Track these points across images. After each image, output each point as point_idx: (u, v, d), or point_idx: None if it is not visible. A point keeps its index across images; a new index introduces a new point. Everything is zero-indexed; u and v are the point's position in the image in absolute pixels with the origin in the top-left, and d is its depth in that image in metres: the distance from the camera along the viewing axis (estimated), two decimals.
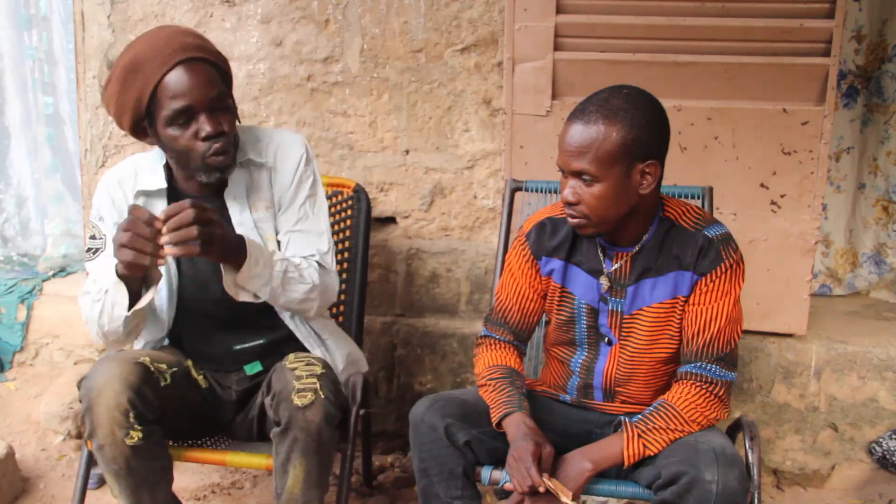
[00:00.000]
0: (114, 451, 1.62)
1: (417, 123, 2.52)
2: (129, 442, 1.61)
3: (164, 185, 1.81)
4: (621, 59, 2.30)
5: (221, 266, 1.64)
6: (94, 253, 1.79)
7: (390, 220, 2.61)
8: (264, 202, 1.83)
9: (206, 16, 2.52)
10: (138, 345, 1.91)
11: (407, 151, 2.54)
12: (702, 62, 2.27)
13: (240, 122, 1.83)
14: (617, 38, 2.29)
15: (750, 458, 1.61)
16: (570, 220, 1.58)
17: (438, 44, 2.46)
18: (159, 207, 1.79)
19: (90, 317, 1.72)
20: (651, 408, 1.58)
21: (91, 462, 1.87)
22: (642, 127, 1.49)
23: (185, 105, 1.66)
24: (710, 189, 2.12)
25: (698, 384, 1.57)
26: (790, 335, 2.43)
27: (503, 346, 1.77)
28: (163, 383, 1.70)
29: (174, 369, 1.76)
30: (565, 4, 2.30)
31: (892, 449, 2.35)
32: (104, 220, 1.82)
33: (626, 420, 1.57)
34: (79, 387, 1.66)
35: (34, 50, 3.06)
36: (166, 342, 1.93)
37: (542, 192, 2.18)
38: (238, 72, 2.54)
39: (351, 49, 2.49)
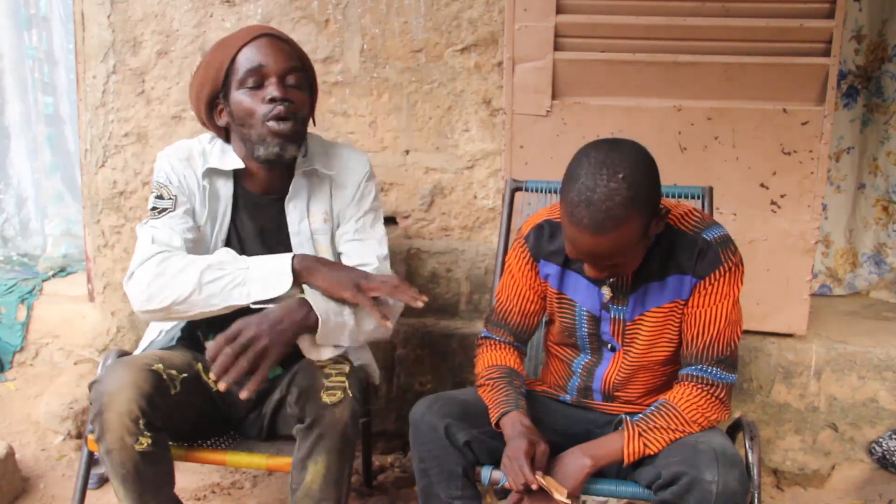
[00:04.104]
0: (122, 456, 1.61)
1: (417, 123, 2.52)
2: (138, 448, 1.60)
3: (240, 164, 1.81)
4: (621, 59, 2.30)
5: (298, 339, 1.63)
6: (159, 213, 1.76)
7: (390, 220, 2.61)
8: (322, 214, 1.87)
9: (206, 16, 2.52)
10: (148, 339, 1.91)
11: (407, 151, 2.54)
12: (702, 62, 2.27)
13: (314, 123, 1.88)
14: (617, 38, 2.29)
15: (750, 458, 1.61)
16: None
17: (438, 44, 2.46)
18: (223, 190, 1.83)
19: (185, 279, 1.62)
20: (652, 407, 1.58)
21: (91, 462, 1.87)
22: (649, 199, 1.46)
23: (257, 64, 1.71)
24: (710, 189, 2.12)
25: (699, 386, 1.57)
26: (790, 335, 2.44)
27: (503, 346, 1.77)
28: (173, 391, 1.69)
29: (184, 374, 1.74)
30: (565, 4, 2.30)
31: (892, 449, 2.35)
32: (172, 184, 1.79)
33: (627, 419, 1.57)
34: (90, 389, 1.66)
35: (34, 50, 3.06)
36: (179, 334, 1.92)
37: (542, 192, 2.18)
38: None
39: (351, 49, 2.49)
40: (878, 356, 2.38)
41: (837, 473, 2.43)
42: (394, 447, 2.63)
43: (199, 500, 2.36)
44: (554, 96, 2.36)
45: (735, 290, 1.58)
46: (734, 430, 1.74)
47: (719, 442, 1.51)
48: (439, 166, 2.54)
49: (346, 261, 1.87)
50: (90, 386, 1.66)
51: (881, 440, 2.38)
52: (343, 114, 2.54)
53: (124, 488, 1.66)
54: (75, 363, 2.76)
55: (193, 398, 1.78)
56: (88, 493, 1.90)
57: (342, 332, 1.68)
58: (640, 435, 1.54)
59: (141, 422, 1.59)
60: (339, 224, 1.90)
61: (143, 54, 2.57)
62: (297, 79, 1.76)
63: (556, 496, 1.48)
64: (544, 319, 1.85)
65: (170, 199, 1.77)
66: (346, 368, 1.69)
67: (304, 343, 1.64)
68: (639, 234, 1.46)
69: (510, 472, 1.51)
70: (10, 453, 2.30)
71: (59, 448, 2.53)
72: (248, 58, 1.72)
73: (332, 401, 1.61)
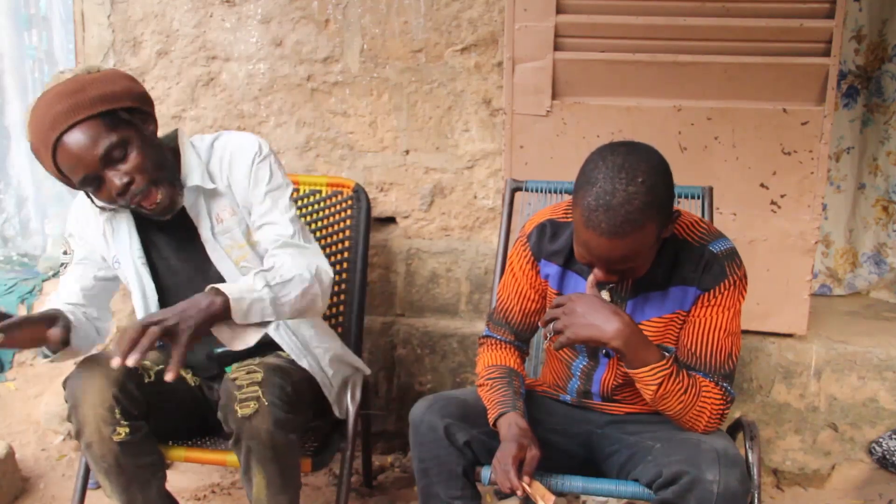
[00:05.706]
0: (102, 448, 1.62)
1: (417, 123, 2.52)
2: (116, 438, 1.61)
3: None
4: (621, 59, 2.30)
5: (215, 329, 1.54)
6: (66, 268, 1.83)
7: (390, 220, 2.61)
8: (228, 209, 1.77)
9: (206, 16, 2.53)
10: None
11: (407, 151, 2.54)
12: (702, 62, 2.27)
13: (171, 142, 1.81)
14: (617, 38, 2.29)
15: (750, 458, 1.61)
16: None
17: (438, 44, 2.46)
18: (124, 225, 1.79)
19: None
20: (687, 371, 1.55)
21: None
22: (665, 203, 1.45)
23: (82, 176, 1.62)
24: (710, 189, 2.11)
25: (721, 394, 1.55)
26: (790, 335, 2.44)
27: (504, 346, 1.77)
28: (147, 380, 1.70)
29: (160, 367, 1.76)
30: (565, 4, 2.30)
31: (892, 449, 2.35)
32: (74, 236, 1.84)
33: (673, 358, 1.54)
34: (64, 386, 1.67)
35: (34, 50, 3.06)
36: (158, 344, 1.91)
37: (542, 192, 2.18)
38: (238, 72, 2.54)
39: (351, 49, 2.49)
40: (878, 356, 2.38)
41: (837, 473, 2.43)
42: (394, 447, 2.63)
43: (199, 500, 2.36)
44: (554, 96, 2.36)
45: (737, 304, 1.57)
46: (734, 430, 1.74)
47: (721, 442, 1.50)
48: (439, 166, 2.54)
49: (262, 245, 1.78)
50: (63, 384, 1.67)
51: (881, 440, 2.38)
52: (343, 114, 2.54)
53: (109, 482, 1.67)
54: (76, 363, 2.75)
55: (173, 389, 1.74)
56: (88, 493, 1.90)
57: (261, 307, 1.56)
58: (662, 378, 1.50)
59: (116, 411, 1.60)
60: (251, 209, 1.79)
61: (143, 54, 2.57)
62: (116, 148, 1.61)
63: None
64: None
65: (69, 253, 1.82)
66: (259, 377, 1.63)
67: (223, 334, 1.55)
68: (654, 237, 1.45)
69: (499, 475, 1.51)
70: (10, 453, 2.30)
71: (59, 448, 2.53)
72: (67, 169, 1.61)
73: (247, 413, 1.57)
